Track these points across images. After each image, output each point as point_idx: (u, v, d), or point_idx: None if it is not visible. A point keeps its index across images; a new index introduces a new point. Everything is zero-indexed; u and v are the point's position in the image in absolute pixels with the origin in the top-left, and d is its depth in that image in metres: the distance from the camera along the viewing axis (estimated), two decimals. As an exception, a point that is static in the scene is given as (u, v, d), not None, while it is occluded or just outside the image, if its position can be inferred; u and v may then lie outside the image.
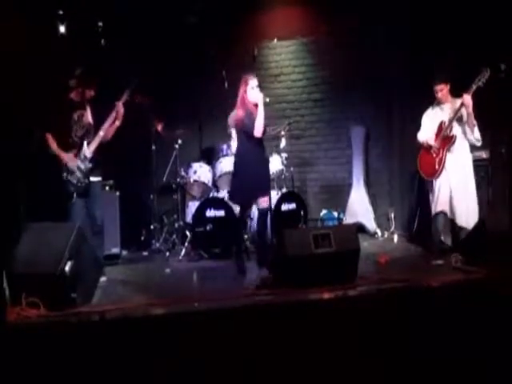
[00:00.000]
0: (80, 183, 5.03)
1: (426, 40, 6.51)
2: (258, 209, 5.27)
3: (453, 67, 5.90)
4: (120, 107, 5.18)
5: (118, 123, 5.20)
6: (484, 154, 6.05)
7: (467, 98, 5.26)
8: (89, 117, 5.15)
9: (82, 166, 5.04)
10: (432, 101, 5.68)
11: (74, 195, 5.03)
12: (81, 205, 5.07)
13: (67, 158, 5.02)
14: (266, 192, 5.15)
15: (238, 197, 5.31)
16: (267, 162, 5.41)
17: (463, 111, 5.38)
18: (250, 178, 5.10)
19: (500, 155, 6.02)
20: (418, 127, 5.75)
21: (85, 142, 5.08)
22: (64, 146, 5.06)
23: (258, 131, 5.03)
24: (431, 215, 5.59)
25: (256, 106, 5.05)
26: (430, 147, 5.56)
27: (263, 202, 5.16)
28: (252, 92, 5.07)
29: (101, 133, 5.09)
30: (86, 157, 5.05)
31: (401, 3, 6.69)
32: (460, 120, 5.45)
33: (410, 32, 6.72)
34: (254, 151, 5.16)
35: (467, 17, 6.18)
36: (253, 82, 5.09)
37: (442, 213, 5.48)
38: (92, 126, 5.14)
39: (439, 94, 5.58)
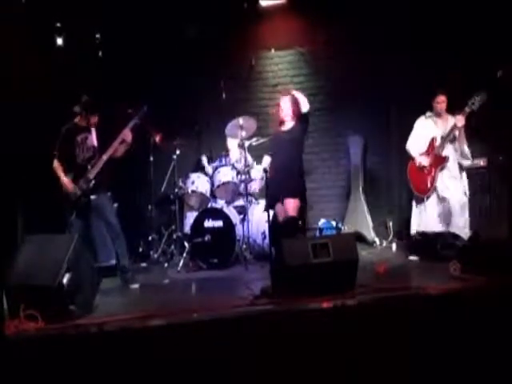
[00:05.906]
0: (79, 201, 5.04)
1: (426, 47, 6.55)
2: None
3: (453, 79, 5.92)
4: (127, 134, 5.17)
5: (125, 147, 5.22)
6: (482, 162, 6.05)
7: (461, 121, 5.27)
8: (93, 139, 5.13)
9: (85, 186, 5.05)
10: (430, 110, 5.71)
11: (74, 212, 5.04)
12: (80, 221, 5.10)
13: (70, 187, 5.03)
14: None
15: None
16: None
17: (455, 132, 5.41)
18: None
19: (498, 163, 6.03)
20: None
21: (89, 166, 5.09)
22: (68, 170, 5.08)
23: None
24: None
25: None
26: (422, 167, 5.57)
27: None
28: None
29: (104, 157, 5.08)
30: (88, 179, 5.05)
31: (400, 8, 6.71)
32: (452, 140, 5.48)
33: (409, 39, 6.74)
34: None
35: (468, 20, 6.22)
36: None
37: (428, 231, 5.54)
38: (96, 148, 5.14)
39: (438, 107, 5.59)
